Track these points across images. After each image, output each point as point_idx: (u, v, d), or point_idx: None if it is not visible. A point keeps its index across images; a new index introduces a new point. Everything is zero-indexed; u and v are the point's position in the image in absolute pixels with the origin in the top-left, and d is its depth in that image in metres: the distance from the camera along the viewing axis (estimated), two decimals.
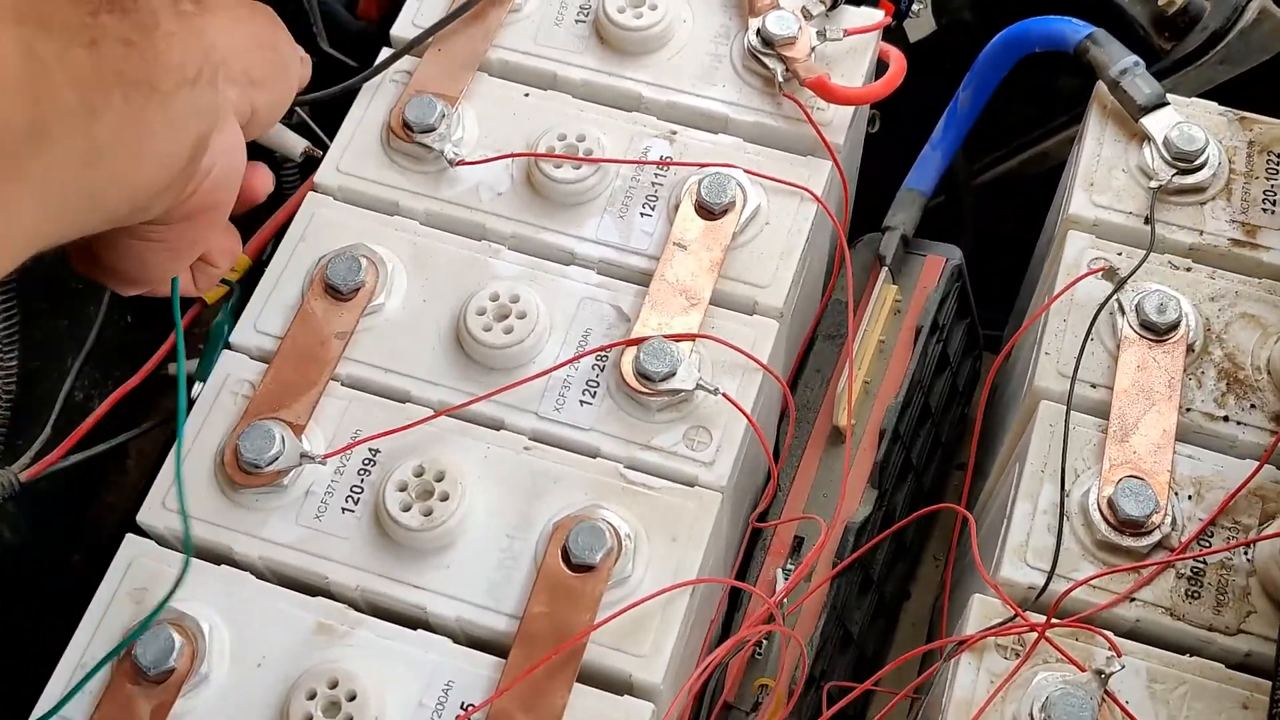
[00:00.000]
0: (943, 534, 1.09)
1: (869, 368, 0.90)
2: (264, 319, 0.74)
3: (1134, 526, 0.66)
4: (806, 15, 0.79)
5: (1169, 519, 0.67)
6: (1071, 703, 0.61)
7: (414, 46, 0.81)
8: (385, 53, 0.82)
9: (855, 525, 0.84)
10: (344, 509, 0.68)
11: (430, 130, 0.77)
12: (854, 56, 0.81)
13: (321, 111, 0.87)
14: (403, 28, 0.83)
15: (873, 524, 0.87)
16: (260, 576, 0.68)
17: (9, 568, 0.84)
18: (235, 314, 0.76)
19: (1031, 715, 0.62)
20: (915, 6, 0.94)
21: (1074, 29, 0.79)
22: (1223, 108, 0.79)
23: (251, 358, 0.73)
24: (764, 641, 0.79)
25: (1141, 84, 0.76)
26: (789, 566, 0.84)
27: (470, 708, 0.63)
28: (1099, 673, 0.62)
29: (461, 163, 0.77)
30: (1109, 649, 0.64)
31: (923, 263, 0.94)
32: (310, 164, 0.80)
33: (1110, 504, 0.66)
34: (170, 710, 0.62)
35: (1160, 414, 0.69)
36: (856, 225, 0.90)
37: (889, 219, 0.93)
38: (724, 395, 0.69)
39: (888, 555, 0.95)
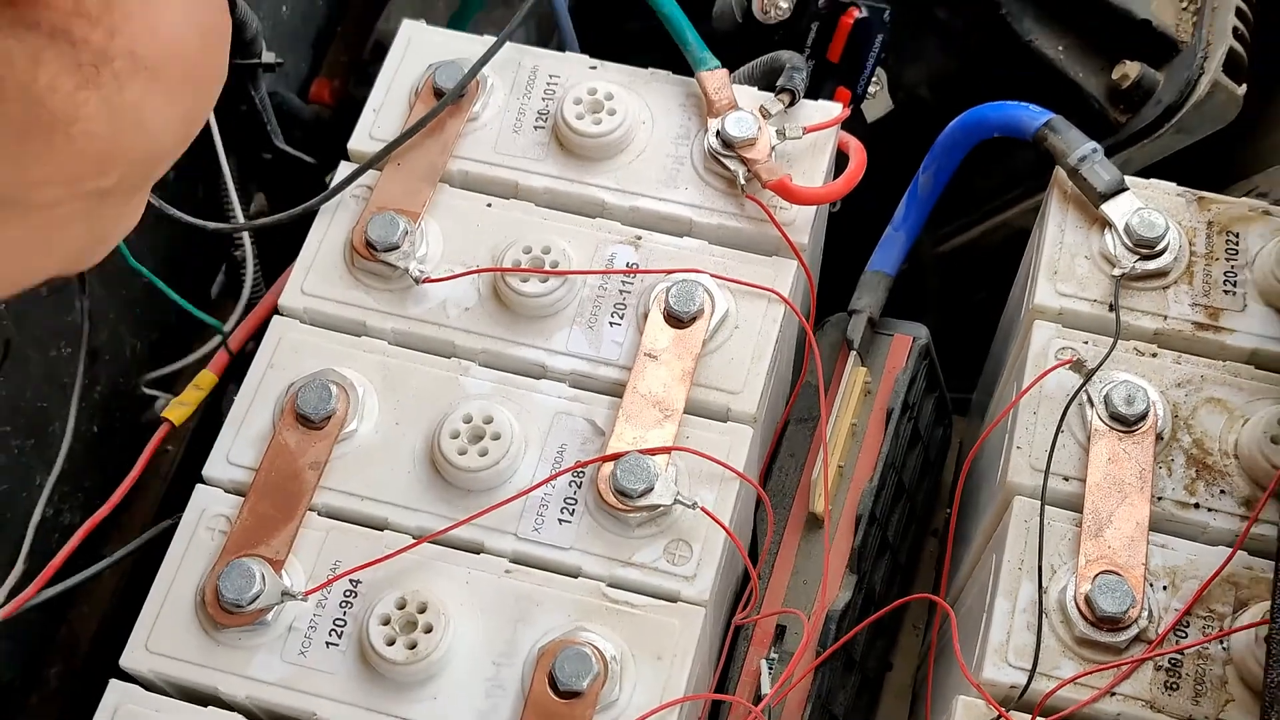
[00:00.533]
0: (921, 603, 1.09)
1: (843, 452, 0.91)
2: (236, 451, 0.74)
3: (1112, 623, 0.67)
4: (765, 114, 0.80)
5: (1145, 612, 0.67)
6: None
7: (373, 164, 0.81)
8: (343, 168, 0.83)
9: (836, 613, 0.84)
10: (328, 643, 0.68)
11: (394, 248, 0.77)
12: (814, 152, 0.81)
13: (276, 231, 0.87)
14: (360, 141, 0.83)
15: (853, 608, 0.88)
16: (248, 715, 0.67)
17: None
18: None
19: None
20: (872, 89, 0.95)
21: (1031, 116, 0.80)
22: (1180, 188, 0.80)
23: (225, 491, 0.73)
24: None
25: (1101, 170, 0.77)
26: (772, 655, 0.85)
27: None
28: None
29: (428, 280, 0.77)
30: None
31: (890, 342, 0.95)
32: None
33: (1088, 601, 0.67)
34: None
35: (1133, 506, 0.70)
36: (822, 300, 0.91)
37: (855, 302, 0.93)
38: (703, 509, 0.69)
39: (868, 634, 0.95)
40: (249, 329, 0.90)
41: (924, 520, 1.08)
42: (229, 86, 1.03)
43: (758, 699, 0.81)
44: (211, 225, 0.86)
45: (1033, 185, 1.01)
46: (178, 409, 0.86)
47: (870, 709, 1.01)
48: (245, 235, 1.05)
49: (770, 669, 0.83)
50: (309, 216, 0.81)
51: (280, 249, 1.12)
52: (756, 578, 0.77)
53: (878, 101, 0.98)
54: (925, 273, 1.08)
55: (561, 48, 1.03)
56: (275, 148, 1.09)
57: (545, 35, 1.25)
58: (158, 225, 1.03)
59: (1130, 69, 0.91)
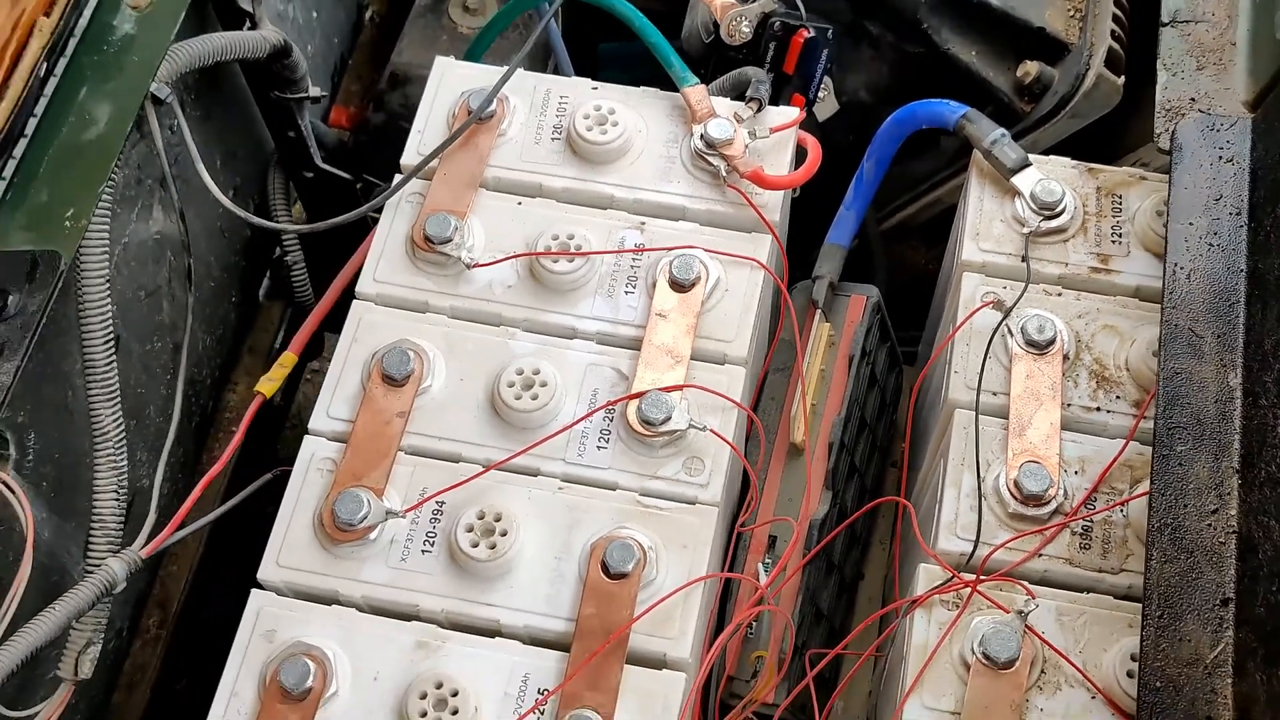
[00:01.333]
0: (885, 523, 1.28)
1: (814, 392, 1.10)
2: (334, 407, 0.92)
3: (1035, 500, 0.86)
4: (738, 119, 0.99)
5: (1061, 491, 0.87)
6: (1002, 637, 0.81)
7: (419, 170, 0.99)
8: (397, 178, 1.01)
9: (817, 521, 1.03)
10: (423, 551, 0.86)
11: (448, 241, 0.95)
12: (779, 148, 1.01)
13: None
14: (409, 156, 1.02)
15: (830, 519, 1.07)
16: (362, 611, 0.85)
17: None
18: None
19: (972, 650, 0.82)
20: (821, 94, 1.14)
21: (950, 110, 1.00)
22: (1074, 161, 1.00)
23: (328, 439, 0.91)
24: (755, 622, 0.98)
25: (1009, 151, 0.97)
26: (767, 560, 1.03)
27: (546, 692, 0.81)
28: (1020, 613, 0.82)
29: (476, 265, 0.96)
30: (1025, 595, 0.83)
31: (848, 302, 1.14)
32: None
33: (1016, 484, 0.86)
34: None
35: (1048, 411, 0.89)
36: (790, 272, 1.10)
37: (817, 269, 1.12)
38: (712, 431, 0.88)
39: (844, 544, 1.14)
40: (310, 327, 1.08)
41: (884, 453, 1.27)
42: (281, 115, 1.22)
43: (758, 601, 0.99)
44: (291, 227, 1.03)
45: (957, 169, 1.21)
46: (267, 384, 1.04)
47: (849, 609, 1.20)
48: (297, 238, 1.23)
49: (766, 570, 1.01)
50: (358, 223, 0.99)
51: (320, 254, 1.30)
52: (755, 484, 0.96)
53: (826, 104, 1.17)
54: (872, 244, 1.27)
55: (558, 71, 1.22)
56: (316, 166, 1.27)
57: (541, 61, 1.43)
58: (217, 236, 1.22)
59: (1031, 68, 1.11)
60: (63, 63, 0.90)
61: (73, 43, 0.91)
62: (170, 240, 1.13)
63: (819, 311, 1.11)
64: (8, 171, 0.85)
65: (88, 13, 0.92)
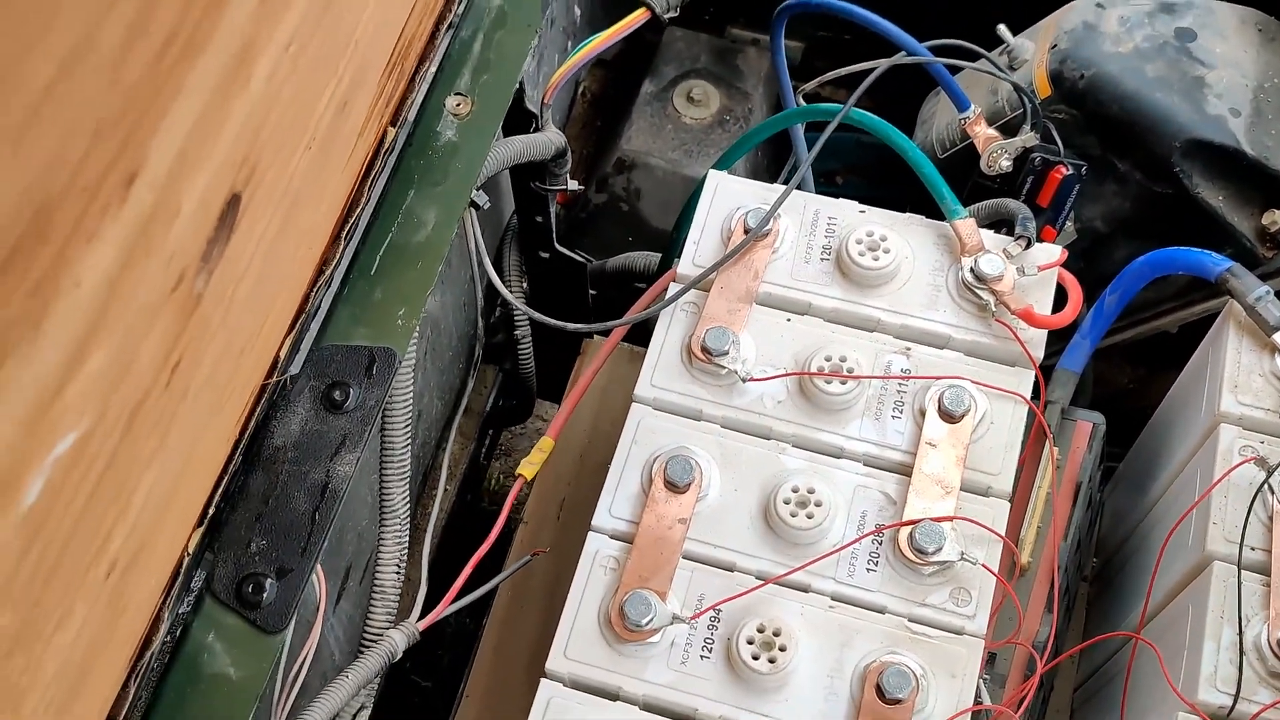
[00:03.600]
0: (1073, 635, 1.31)
1: (1040, 515, 1.14)
2: (617, 507, 0.97)
3: None
4: (1008, 255, 1.04)
5: None
6: None
7: (699, 282, 1.05)
8: (673, 287, 1.06)
9: (1041, 644, 1.07)
10: (701, 656, 0.91)
11: (724, 354, 1.00)
12: (1042, 284, 1.05)
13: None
14: (685, 267, 1.07)
15: (1049, 640, 1.10)
16: (642, 710, 0.90)
17: None
18: None
19: None
20: (1066, 225, 1.19)
21: (1214, 263, 1.03)
22: None
23: (610, 537, 0.96)
24: None
25: (1273, 308, 1.00)
26: (985, 677, 1.07)
27: None
28: None
29: (751, 379, 1.00)
30: None
31: (1074, 428, 1.17)
32: None
33: (1279, 644, 0.90)
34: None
35: None
36: None
37: (1049, 394, 1.16)
38: (984, 566, 0.92)
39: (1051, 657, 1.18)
40: (565, 413, 1.13)
41: (1081, 569, 1.30)
42: (534, 201, 1.28)
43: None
44: (570, 326, 1.09)
45: (1186, 301, 1.25)
46: (529, 467, 1.10)
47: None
48: (527, 318, 1.30)
49: (986, 685, 1.05)
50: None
51: (541, 328, 1.36)
52: (1022, 611, 0.99)
53: (1067, 233, 1.21)
54: (1083, 372, 1.31)
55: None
56: (553, 249, 1.33)
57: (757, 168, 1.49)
58: (459, 310, 1.28)
59: (1278, 216, 1.14)
60: (390, 163, 0.96)
61: (399, 145, 0.97)
62: (431, 318, 1.19)
63: (1048, 438, 1.15)
64: (342, 269, 0.91)
65: (411, 115, 0.98)
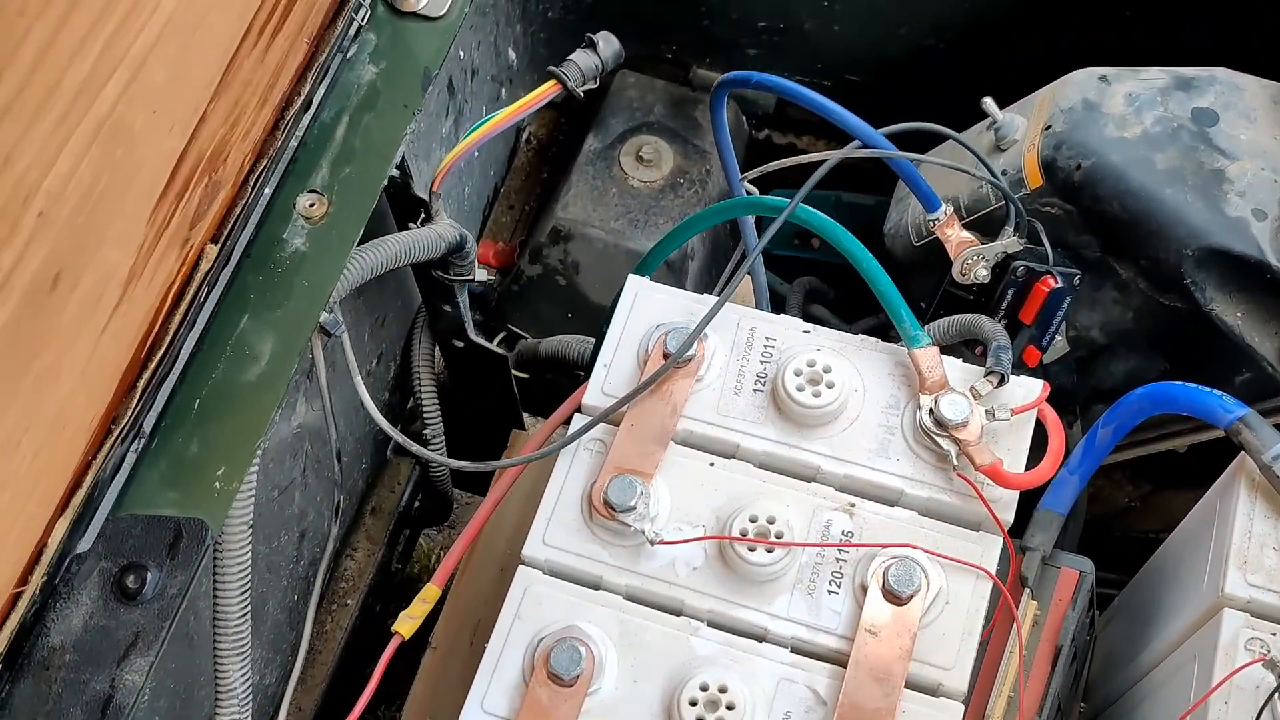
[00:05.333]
0: None
1: (1012, 683, 0.97)
2: (491, 699, 0.80)
3: None
4: (975, 395, 0.86)
5: None
6: None
7: (605, 418, 0.88)
8: (578, 420, 0.89)
9: None
10: None
11: (630, 510, 0.84)
12: (1017, 429, 0.88)
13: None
14: (593, 396, 0.90)
15: None
16: None
17: None
18: None
19: None
20: (1056, 340, 1.01)
21: (1225, 408, 0.86)
22: None
23: None
24: None
25: None
26: None
27: None
28: None
29: (661, 542, 0.84)
30: None
31: (1058, 576, 1.00)
32: None
33: None
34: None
35: None
36: None
37: (1028, 539, 0.99)
38: None
39: None
40: (455, 558, 0.97)
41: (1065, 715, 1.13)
42: (439, 291, 1.12)
43: None
44: (455, 464, 0.92)
45: (1196, 424, 1.07)
46: (407, 623, 0.93)
47: None
48: (435, 406, 1.14)
49: None
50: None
51: (457, 413, 1.21)
52: None
53: (1057, 347, 1.04)
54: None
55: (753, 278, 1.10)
56: (468, 339, 1.17)
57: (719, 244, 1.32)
58: (352, 413, 1.12)
59: None
60: (221, 283, 0.79)
61: (233, 259, 0.80)
62: (309, 429, 1.03)
63: (1026, 590, 0.97)
64: (152, 417, 0.75)
65: (252, 224, 0.81)
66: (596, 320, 1.22)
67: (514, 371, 1.26)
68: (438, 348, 1.21)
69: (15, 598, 0.65)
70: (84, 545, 0.72)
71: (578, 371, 1.22)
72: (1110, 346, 1.05)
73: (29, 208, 0.52)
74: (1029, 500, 1.00)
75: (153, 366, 0.74)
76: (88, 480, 0.71)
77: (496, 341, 1.28)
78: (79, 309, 0.61)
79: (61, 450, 0.66)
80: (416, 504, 1.30)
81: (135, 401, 0.72)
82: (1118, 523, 1.24)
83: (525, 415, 1.30)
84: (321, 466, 1.08)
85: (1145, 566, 1.07)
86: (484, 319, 1.39)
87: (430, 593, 0.95)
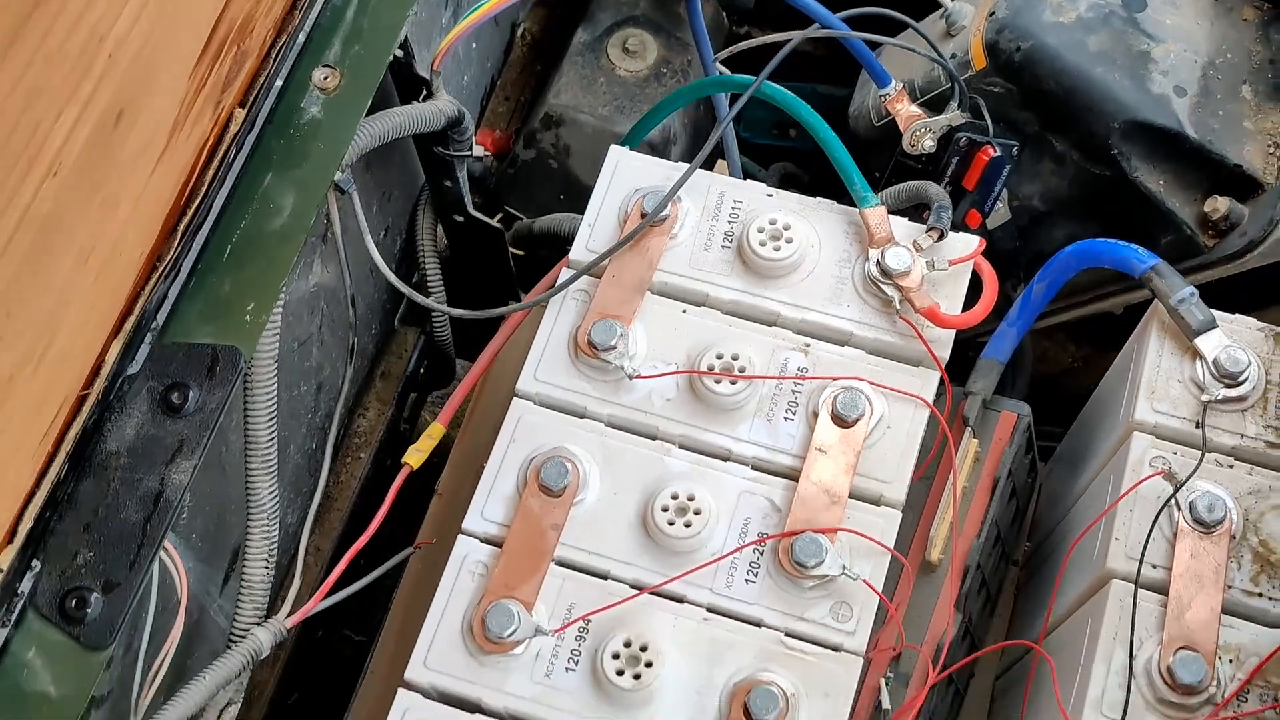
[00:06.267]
0: (1000, 621, 1.26)
1: (953, 511, 1.08)
2: (489, 508, 0.92)
3: (1188, 690, 0.85)
4: (918, 248, 0.97)
5: (1214, 682, 0.85)
6: None
7: (589, 270, 0.99)
8: (565, 272, 1.00)
9: (944, 645, 1.02)
10: (566, 669, 0.87)
11: (611, 349, 0.95)
12: (955, 278, 0.99)
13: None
14: (578, 252, 1.01)
15: (957, 640, 1.06)
16: None
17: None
18: None
19: None
20: (998, 205, 1.12)
21: (1139, 259, 0.96)
22: (1261, 324, 0.96)
23: (480, 541, 0.92)
24: None
25: (1196, 311, 0.94)
26: (889, 675, 1.03)
27: None
28: None
29: (639, 376, 0.95)
30: None
31: (998, 419, 1.11)
32: None
33: (1169, 671, 0.85)
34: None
35: (1209, 595, 0.87)
36: None
37: (971, 384, 1.10)
38: (865, 582, 0.88)
39: (965, 651, 1.14)
40: (459, 398, 1.09)
41: (1008, 553, 1.25)
42: (440, 166, 1.22)
43: (875, 710, 0.99)
44: (454, 311, 1.03)
45: (1128, 285, 1.18)
46: (415, 455, 1.05)
47: (956, 710, 1.20)
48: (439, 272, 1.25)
49: (888, 685, 1.01)
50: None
51: (461, 288, 1.31)
52: (900, 626, 0.95)
53: (998, 214, 1.14)
54: (1022, 350, 1.25)
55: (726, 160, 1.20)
56: (467, 214, 1.27)
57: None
58: (365, 278, 1.22)
59: (1220, 204, 1.07)
60: (248, 145, 0.90)
61: (258, 124, 0.91)
62: (325, 289, 1.14)
63: (968, 428, 1.09)
64: (189, 261, 0.86)
65: (274, 93, 0.92)
66: (586, 200, 1.33)
67: (510, 249, 1.36)
68: (440, 224, 1.31)
69: (81, 400, 0.77)
70: (134, 368, 0.83)
71: (568, 246, 1.33)
72: (1049, 214, 1.16)
73: (102, 49, 0.62)
74: (974, 354, 1.12)
75: (190, 214, 0.84)
76: (136, 309, 0.82)
77: (495, 220, 1.38)
78: (135, 146, 0.71)
79: (117, 277, 0.77)
80: (422, 370, 1.42)
81: (175, 244, 0.83)
82: (1063, 382, 1.35)
83: (521, 292, 1.41)
84: (336, 325, 1.19)
85: (1080, 414, 1.19)
86: (483, 201, 1.49)
87: (436, 430, 1.07)
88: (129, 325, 0.81)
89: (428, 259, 1.28)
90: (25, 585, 0.78)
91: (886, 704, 0.97)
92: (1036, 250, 1.20)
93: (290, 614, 0.97)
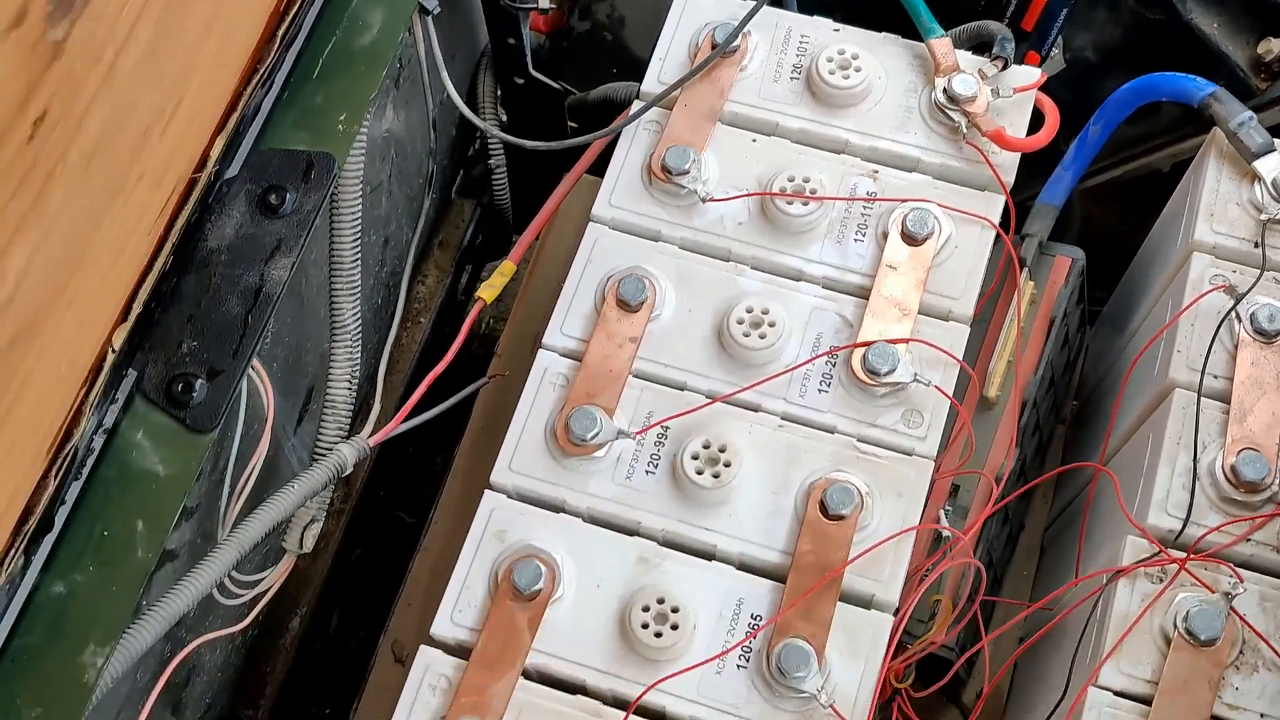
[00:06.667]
0: (1049, 479, 1.29)
1: (1011, 349, 1.11)
2: (568, 325, 0.95)
3: (1251, 487, 0.87)
4: (982, 75, 0.99)
5: (1277, 480, 0.88)
6: (1207, 615, 0.83)
7: (660, 99, 1.01)
8: (637, 104, 1.03)
9: (1003, 477, 1.05)
10: (647, 471, 0.90)
11: (685, 173, 0.97)
12: (1018, 108, 1.01)
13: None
14: (650, 84, 1.03)
15: (1014, 474, 1.09)
16: (586, 522, 0.89)
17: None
18: None
19: (1175, 625, 0.84)
20: (1053, 53, 1.14)
21: (1198, 87, 0.98)
22: None
23: (560, 355, 0.94)
24: (932, 567, 1.00)
25: (1255, 134, 0.96)
26: (947, 507, 1.06)
27: (760, 618, 0.85)
28: (1226, 594, 0.84)
29: (711, 200, 0.98)
30: (1232, 576, 0.85)
31: (1053, 263, 1.14)
32: None
33: (1233, 470, 0.88)
34: (540, 621, 0.85)
35: (1270, 400, 0.90)
36: None
37: (1027, 227, 1.13)
38: (936, 387, 0.91)
39: (1018, 498, 1.17)
40: (532, 234, 1.11)
41: (1059, 405, 1.28)
42: (505, 21, 1.24)
43: (936, 539, 1.02)
44: (529, 144, 1.06)
45: (1176, 136, 1.20)
46: (489, 290, 1.08)
47: (1007, 560, 1.23)
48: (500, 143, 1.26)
49: (947, 517, 1.04)
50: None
51: (519, 160, 1.33)
52: (970, 434, 0.97)
53: (1054, 62, 1.16)
54: (1071, 201, 1.27)
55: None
56: (528, 74, 1.29)
57: None
58: (428, 134, 1.24)
59: (1273, 45, 1.09)
60: None
61: None
62: (395, 138, 1.16)
63: (1025, 270, 1.12)
64: (283, 73, 0.89)
65: None
66: (640, 72, 1.35)
67: (568, 122, 1.38)
68: (499, 89, 1.33)
69: (190, 185, 0.80)
70: (232, 171, 0.86)
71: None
72: (1103, 64, 1.18)
73: None
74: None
75: (284, 27, 0.87)
76: (235, 116, 0.85)
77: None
78: None
79: (220, 82, 0.80)
80: (479, 240, 1.44)
81: (273, 51, 0.85)
82: (1108, 246, 1.37)
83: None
84: (405, 178, 1.21)
85: (1127, 270, 1.21)
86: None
87: (507, 268, 1.09)
88: (228, 128, 0.84)
89: (488, 119, 1.30)
90: (133, 373, 0.81)
91: (946, 532, 1.00)
92: (1090, 103, 1.21)
93: (373, 433, 1.00)
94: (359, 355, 0.99)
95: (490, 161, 1.32)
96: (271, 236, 0.85)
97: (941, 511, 1.05)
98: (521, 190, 1.40)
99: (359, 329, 0.99)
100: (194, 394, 0.81)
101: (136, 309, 0.79)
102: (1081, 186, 1.32)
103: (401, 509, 1.50)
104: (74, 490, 0.77)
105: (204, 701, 1.07)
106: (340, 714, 1.12)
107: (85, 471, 0.78)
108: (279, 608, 1.20)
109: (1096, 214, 1.35)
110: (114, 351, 0.78)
